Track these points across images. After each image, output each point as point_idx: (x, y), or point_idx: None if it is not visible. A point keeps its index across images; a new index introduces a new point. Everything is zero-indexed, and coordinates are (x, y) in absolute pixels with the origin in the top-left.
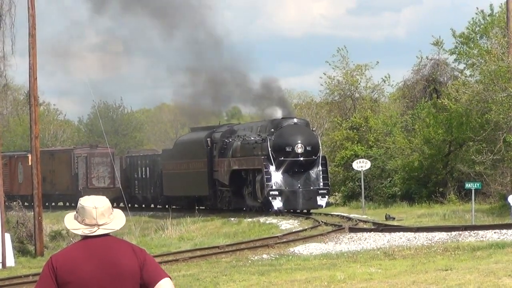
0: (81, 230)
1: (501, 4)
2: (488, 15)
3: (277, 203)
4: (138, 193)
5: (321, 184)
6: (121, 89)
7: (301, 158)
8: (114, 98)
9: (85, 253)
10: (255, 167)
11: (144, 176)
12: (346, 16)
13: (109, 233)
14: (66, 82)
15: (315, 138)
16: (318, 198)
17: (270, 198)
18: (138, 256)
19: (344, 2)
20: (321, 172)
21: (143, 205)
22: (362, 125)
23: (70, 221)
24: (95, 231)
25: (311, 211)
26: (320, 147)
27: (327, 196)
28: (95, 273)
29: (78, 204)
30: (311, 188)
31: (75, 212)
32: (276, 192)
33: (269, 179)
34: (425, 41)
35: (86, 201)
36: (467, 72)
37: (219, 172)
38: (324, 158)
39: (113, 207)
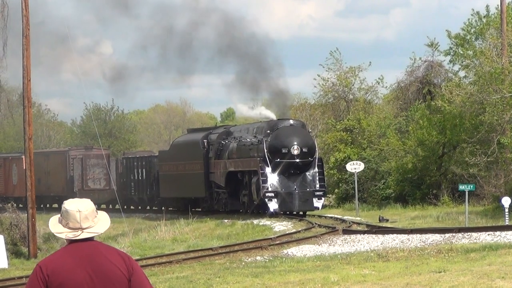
0: (64, 233)
1: (497, 5)
2: (484, 17)
3: (273, 205)
4: (134, 194)
5: (318, 185)
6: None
7: (297, 160)
8: (106, 100)
9: (75, 259)
10: (251, 169)
11: (140, 178)
12: (334, 18)
13: (93, 236)
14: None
15: (311, 139)
16: (314, 200)
17: (266, 200)
18: (127, 264)
19: (332, 4)
20: (317, 174)
21: (139, 207)
22: (356, 127)
23: (54, 225)
24: (79, 235)
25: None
26: (317, 149)
27: (323, 198)
28: (87, 280)
29: (62, 207)
30: (307, 189)
31: (59, 215)
32: (272, 194)
33: (265, 181)
34: (415, 43)
35: (69, 205)
36: (461, 74)
37: (215, 174)
38: (320, 159)
39: (108, 208)
